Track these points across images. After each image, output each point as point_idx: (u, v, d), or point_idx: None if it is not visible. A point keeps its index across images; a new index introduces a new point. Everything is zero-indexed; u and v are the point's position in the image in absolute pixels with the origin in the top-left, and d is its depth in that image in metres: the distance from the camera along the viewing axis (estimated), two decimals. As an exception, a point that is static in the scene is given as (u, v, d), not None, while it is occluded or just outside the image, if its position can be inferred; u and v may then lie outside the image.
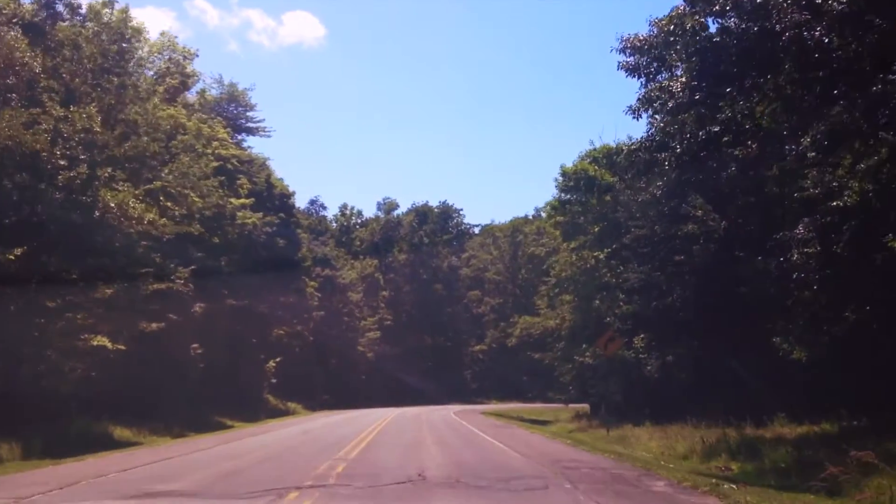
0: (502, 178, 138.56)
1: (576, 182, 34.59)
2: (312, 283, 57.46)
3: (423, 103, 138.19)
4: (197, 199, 28.11)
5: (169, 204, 26.49)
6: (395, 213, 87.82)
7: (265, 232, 51.84)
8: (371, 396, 70.93)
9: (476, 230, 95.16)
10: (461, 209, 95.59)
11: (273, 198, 55.35)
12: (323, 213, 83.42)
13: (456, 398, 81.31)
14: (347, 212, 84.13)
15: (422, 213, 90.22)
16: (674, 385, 30.09)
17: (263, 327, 54.49)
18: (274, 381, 57.58)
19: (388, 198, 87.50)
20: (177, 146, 32.55)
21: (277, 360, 57.32)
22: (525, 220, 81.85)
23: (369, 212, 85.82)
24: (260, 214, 42.74)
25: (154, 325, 26.69)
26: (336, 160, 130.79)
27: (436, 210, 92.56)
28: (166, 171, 28.92)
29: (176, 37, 40.10)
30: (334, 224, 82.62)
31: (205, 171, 33.99)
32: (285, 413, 55.45)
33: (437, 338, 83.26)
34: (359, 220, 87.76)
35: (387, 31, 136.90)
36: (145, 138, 28.18)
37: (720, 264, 27.38)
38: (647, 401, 30.52)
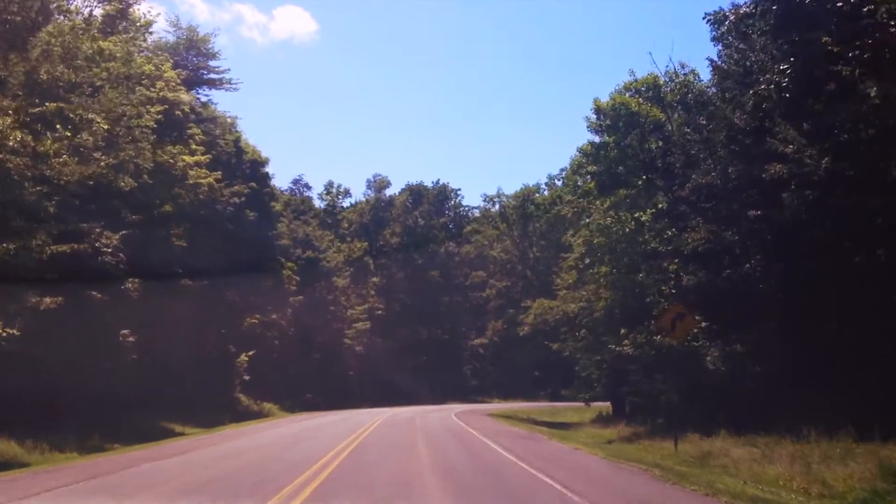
0: (504, 158, 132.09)
1: (613, 121, 27.19)
2: (290, 264, 50.19)
3: (417, 98, 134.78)
4: (102, 122, 20.76)
5: (68, 133, 19.18)
6: (387, 192, 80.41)
7: (233, 203, 44.61)
8: (360, 395, 63.77)
9: (475, 212, 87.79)
10: (458, 189, 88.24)
11: (242, 164, 48.05)
12: (307, 193, 76.09)
13: (454, 397, 74.25)
14: (333, 190, 76.80)
15: (416, 193, 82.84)
16: (751, 382, 22.88)
17: (233, 315, 47.29)
18: (247, 377, 50.42)
19: (379, 175, 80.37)
20: (99, 74, 25.14)
21: (250, 353, 50.23)
22: (536, 188, 72.43)
23: (358, 192, 79.09)
24: (218, 174, 35.41)
25: (49, 301, 19.37)
26: (324, 144, 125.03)
27: (432, 191, 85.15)
28: (73, 96, 21.64)
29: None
30: (319, 203, 75.46)
31: (138, 110, 26.64)
32: (258, 415, 48.26)
33: (433, 330, 76.10)
34: (346, 200, 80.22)
35: (379, 25, 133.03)
36: (61, 66, 21.54)
37: (821, 217, 20.23)
38: (714, 402, 23.31)
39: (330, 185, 75.62)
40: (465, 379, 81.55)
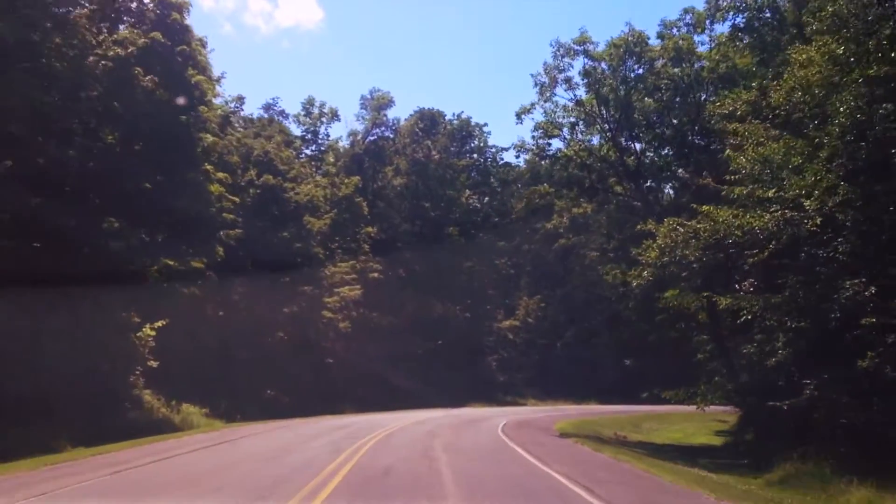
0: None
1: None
2: (222, 175, 31.30)
3: (422, 89, 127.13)
4: None
5: None
6: (389, 113, 60.76)
7: (113, 58, 26.17)
8: (344, 394, 44.84)
9: (505, 156, 68.36)
10: (485, 125, 68.79)
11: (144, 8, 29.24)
12: (283, 122, 56.54)
13: (475, 397, 55.43)
14: (315, 110, 56.85)
15: (429, 119, 63.50)
16: None
17: (112, 259, 28.36)
18: (154, 363, 31.98)
19: (378, 90, 60.41)
20: None
21: (159, 324, 31.83)
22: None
23: (349, 115, 59.30)
24: None
25: None
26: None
27: (453, 124, 65.76)
28: None
29: None
30: (296, 128, 55.86)
31: None
32: (169, 428, 29.64)
33: (447, 305, 56.96)
34: (334, 129, 60.31)
35: (386, 14, 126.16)
36: None
37: None
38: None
39: (310, 103, 56.16)
40: (490, 373, 62.59)
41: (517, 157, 27.03)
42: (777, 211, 17.88)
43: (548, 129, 27.88)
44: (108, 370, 29.21)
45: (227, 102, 41.89)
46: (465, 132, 66.47)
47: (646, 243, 22.63)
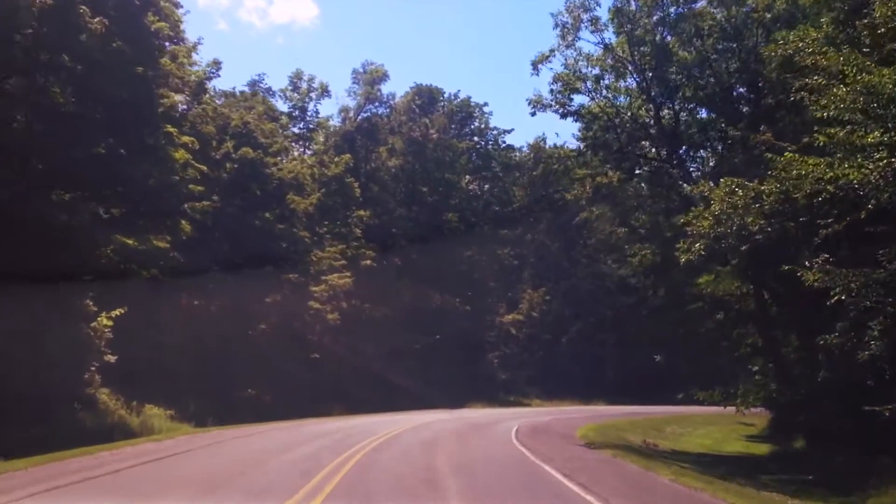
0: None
1: None
2: (187, 139, 27.20)
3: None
4: None
5: None
6: (383, 88, 56.28)
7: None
8: (334, 393, 40.72)
9: (507, 138, 64.22)
10: (485, 104, 64.45)
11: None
12: (270, 99, 52.03)
13: (474, 396, 51.36)
14: (303, 85, 52.43)
15: (426, 95, 59.26)
16: None
17: (61, 236, 24.40)
18: (111, 358, 28.15)
19: (372, 63, 55.86)
20: None
21: (117, 312, 28.07)
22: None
23: (340, 92, 54.28)
24: None
25: None
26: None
27: (452, 103, 61.46)
28: None
29: None
30: (282, 104, 51.44)
31: None
32: (122, 433, 25.75)
33: (446, 297, 52.85)
34: (324, 106, 55.65)
35: (382, 11, 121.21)
36: None
37: None
38: None
39: (297, 77, 51.69)
40: (492, 371, 58.52)
41: (532, 113, 23.07)
42: (883, 159, 13.82)
43: (569, 81, 23.68)
44: (56, 364, 25.25)
45: (203, 69, 37.54)
46: (465, 113, 62.23)
47: (695, 211, 18.58)
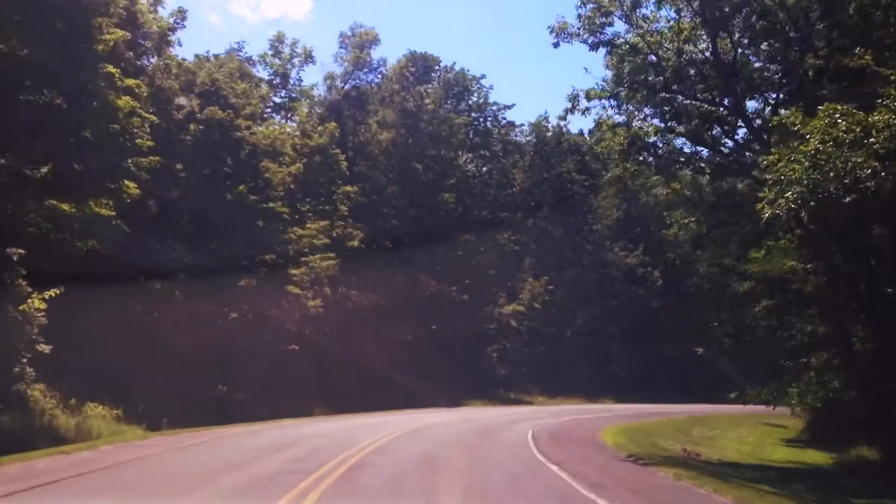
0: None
1: None
2: (132, 82, 22.56)
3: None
4: None
5: None
6: (373, 53, 51.28)
7: None
8: (313, 389, 36.26)
9: (508, 113, 59.72)
10: (483, 76, 59.61)
11: None
12: (251, 69, 47.06)
13: (472, 394, 47.11)
14: (285, 49, 47.40)
15: (421, 63, 54.63)
16: None
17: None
18: (45, 348, 23.71)
19: (361, 25, 50.78)
20: None
21: (52, 293, 23.64)
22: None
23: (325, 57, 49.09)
24: None
25: None
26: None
27: (449, 75, 56.85)
28: None
29: None
30: (262, 70, 46.58)
31: None
32: (50, 439, 21.16)
33: (442, 285, 48.35)
34: (308, 74, 50.58)
35: (375, 4, 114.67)
36: None
37: None
38: None
39: (278, 40, 46.74)
40: (491, 366, 54.15)
41: (556, 45, 18.82)
42: None
43: (602, 2, 19.01)
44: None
45: (166, 21, 32.80)
46: (462, 86, 57.61)
47: (779, 152, 14.13)
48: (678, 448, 22.82)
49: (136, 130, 22.28)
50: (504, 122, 60.49)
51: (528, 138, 67.49)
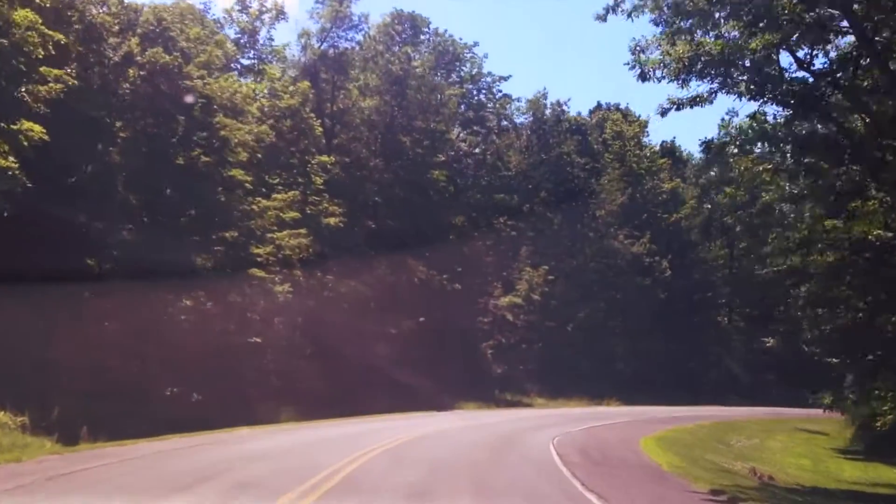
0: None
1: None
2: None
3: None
4: None
5: None
6: (354, 8, 45.71)
7: None
8: (281, 390, 31.12)
9: (504, 86, 54.66)
10: (476, 43, 54.51)
11: None
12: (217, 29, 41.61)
13: (467, 393, 42.23)
14: (253, 5, 41.93)
15: (408, 23, 49.47)
16: None
17: None
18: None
19: None
20: None
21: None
22: None
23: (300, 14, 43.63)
24: None
25: None
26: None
27: (438, 40, 51.77)
28: None
29: None
30: (229, 29, 41.23)
31: None
32: None
33: (431, 272, 43.24)
34: (279, 32, 44.72)
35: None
36: None
37: None
38: None
39: (246, -7, 41.16)
40: (486, 364, 49.18)
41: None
42: None
43: None
44: None
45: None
46: (453, 55, 52.52)
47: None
48: (738, 466, 17.91)
49: (33, 49, 16.99)
50: (500, 95, 55.48)
51: (525, 116, 62.49)
